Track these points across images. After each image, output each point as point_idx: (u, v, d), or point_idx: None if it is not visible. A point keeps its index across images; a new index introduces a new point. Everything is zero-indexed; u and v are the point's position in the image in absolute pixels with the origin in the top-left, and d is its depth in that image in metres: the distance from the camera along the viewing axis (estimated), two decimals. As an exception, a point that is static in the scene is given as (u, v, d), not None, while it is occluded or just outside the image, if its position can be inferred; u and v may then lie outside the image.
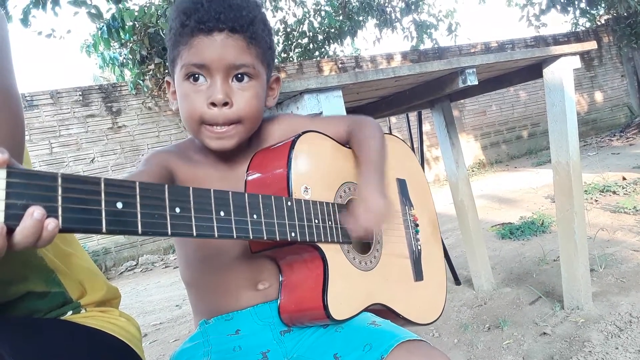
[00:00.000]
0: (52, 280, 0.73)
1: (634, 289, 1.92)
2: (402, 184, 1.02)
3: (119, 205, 0.50)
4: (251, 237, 0.65)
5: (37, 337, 0.63)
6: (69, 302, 0.76)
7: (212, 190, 0.60)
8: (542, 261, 2.47)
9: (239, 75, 0.76)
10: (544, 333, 1.71)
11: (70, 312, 0.75)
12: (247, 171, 0.81)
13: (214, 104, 0.75)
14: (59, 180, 0.47)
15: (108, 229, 0.49)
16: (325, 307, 0.75)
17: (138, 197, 0.52)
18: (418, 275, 0.98)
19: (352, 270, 0.82)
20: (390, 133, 1.09)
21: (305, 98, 1.18)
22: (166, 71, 5.50)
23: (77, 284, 0.78)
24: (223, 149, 0.79)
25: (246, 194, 0.66)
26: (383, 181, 0.84)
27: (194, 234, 0.57)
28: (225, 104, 0.75)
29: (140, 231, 0.52)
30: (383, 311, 0.88)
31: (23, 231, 0.44)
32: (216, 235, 0.60)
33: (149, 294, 3.95)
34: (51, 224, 0.45)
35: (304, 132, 0.81)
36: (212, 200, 0.60)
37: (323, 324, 0.80)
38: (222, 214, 0.61)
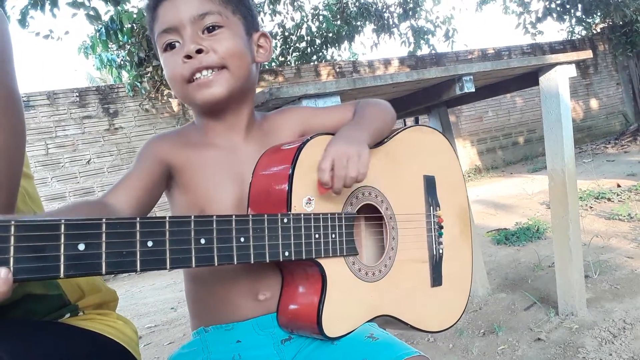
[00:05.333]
0: (50, 282, 0.73)
1: (627, 295, 1.94)
2: (429, 181, 0.97)
3: (81, 247, 0.48)
4: (235, 263, 0.62)
5: (35, 339, 0.63)
6: (67, 305, 0.76)
7: (192, 216, 0.57)
8: (537, 267, 2.48)
9: (209, 27, 0.77)
10: (539, 339, 1.72)
11: (68, 315, 0.76)
12: (253, 171, 0.78)
13: (188, 56, 0.76)
14: (12, 229, 0.44)
15: (66, 274, 0.47)
16: (319, 325, 0.72)
17: (104, 235, 0.49)
18: (436, 280, 0.95)
19: (355, 283, 0.79)
20: (423, 124, 1.01)
21: (303, 103, 1.19)
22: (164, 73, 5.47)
23: (75, 286, 0.78)
24: (214, 98, 0.77)
25: (234, 216, 0.62)
26: (364, 137, 0.80)
27: (167, 267, 0.55)
28: (200, 51, 0.76)
29: (104, 272, 0.50)
30: (392, 321, 0.85)
31: None
32: (193, 266, 0.57)
33: (143, 296, 3.94)
34: (2, 272, 0.43)
35: (312, 137, 0.77)
36: (192, 229, 0.57)
37: (318, 338, 0.78)
38: (202, 241, 0.58)
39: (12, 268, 0.44)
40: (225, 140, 0.84)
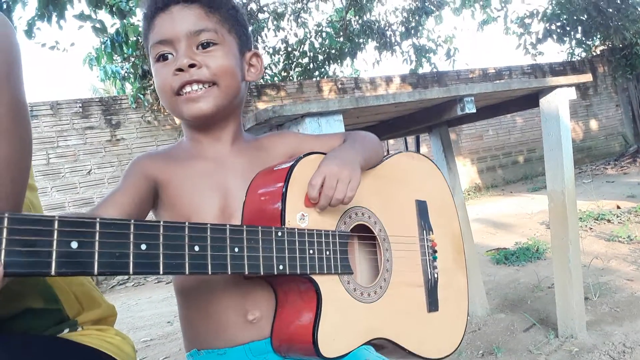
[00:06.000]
0: (50, 296, 0.73)
1: (627, 319, 1.93)
2: (421, 206, 0.97)
3: (74, 245, 0.47)
4: (229, 273, 0.61)
5: (34, 353, 0.63)
6: (66, 320, 0.76)
7: (187, 223, 0.58)
8: (536, 288, 2.47)
9: (204, 43, 0.79)
10: (538, 361, 1.71)
11: (67, 330, 0.75)
12: (246, 192, 0.79)
13: (180, 69, 0.77)
14: (5, 222, 0.44)
15: (58, 271, 0.46)
16: (315, 344, 0.70)
17: (98, 234, 0.49)
18: (432, 305, 0.93)
19: (351, 303, 0.78)
20: (412, 151, 1.05)
21: (306, 121, 1.20)
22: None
23: (74, 301, 0.77)
24: (201, 114, 0.79)
25: (228, 226, 0.62)
26: (358, 160, 0.82)
27: (161, 272, 0.54)
28: (192, 65, 0.77)
29: (96, 272, 0.49)
30: (389, 345, 0.84)
31: None
32: (187, 272, 0.57)
33: (140, 309, 3.91)
34: None
35: (305, 155, 0.78)
36: (186, 235, 0.57)
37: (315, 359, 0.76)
38: (196, 249, 0.58)
39: (2, 261, 0.44)
40: (211, 151, 0.85)
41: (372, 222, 0.87)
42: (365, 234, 0.87)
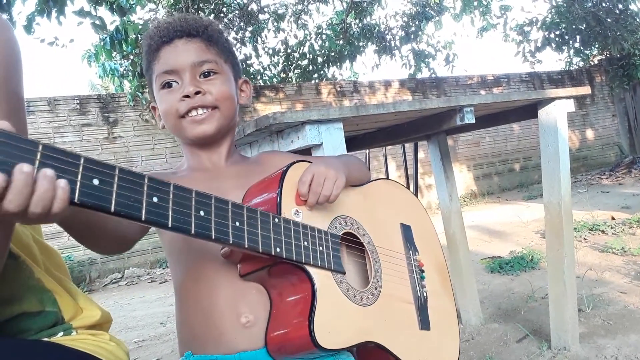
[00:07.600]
0: (47, 298, 0.73)
1: (620, 332, 1.93)
2: (406, 229, 1.00)
3: (95, 181, 0.53)
4: (231, 242, 0.65)
5: (27, 358, 0.63)
6: (61, 323, 0.75)
7: (194, 190, 0.62)
8: (530, 298, 2.48)
9: (206, 73, 0.89)
10: (531, 373, 1.71)
11: (61, 334, 0.75)
12: (242, 201, 0.81)
13: (187, 96, 0.86)
14: (40, 147, 0.50)
15: (80, 199, 0.52)
16: (312, 334, 0.71)
17: (116, 177, 0.55)
18: (424, 323, 0.93)
19: (344, 302, 0.79)
20: (393, 179, 1.10)
21: (306, 128, 1.20)
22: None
23: (73, 304, 0.77)
24: (205, 135, 0.88)
25: (230, 201, 0.67)
26: (343, 169, 0.86)
27: (169, 224, 0.59)
28: (198, 92, 0.86)
29: (112, 209, 0.54)
30: (384, 356, 0.83)
31: (40, 192, 0.48)
32: (193, 232, 0.61)
33: (132, 308, 3.89)
34: (62, 182, 0.49)
35: (298, 161, 0.84)
36: (193, 198, 0.62)
37: (313, 356, 0.77)
38: (202, 213, 0.63)
39: (77, 191, 0.51)
40: (208, 163, 0.93)
41: (361, 233, 0.89)
42: (354, 243, 0.88)
